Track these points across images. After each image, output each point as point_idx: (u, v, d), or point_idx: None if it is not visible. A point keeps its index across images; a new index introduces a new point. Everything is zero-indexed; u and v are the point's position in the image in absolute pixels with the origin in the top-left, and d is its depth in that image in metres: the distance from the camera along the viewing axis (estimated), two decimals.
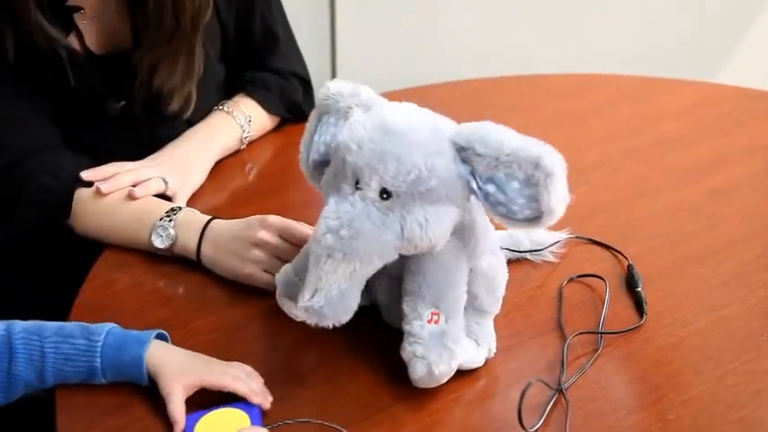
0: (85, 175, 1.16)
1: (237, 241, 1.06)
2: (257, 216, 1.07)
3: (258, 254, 1.04)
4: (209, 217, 1.11)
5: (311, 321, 0.86)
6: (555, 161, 0.83)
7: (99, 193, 1.14)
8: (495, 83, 1.62)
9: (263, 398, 0.90)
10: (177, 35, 1.18)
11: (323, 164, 0.94)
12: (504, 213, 0.87)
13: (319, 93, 0.95)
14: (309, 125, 0.97)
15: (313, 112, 0.97)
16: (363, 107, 0.91)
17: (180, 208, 1.13)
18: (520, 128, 1.48)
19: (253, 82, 1.38)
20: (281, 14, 1.40)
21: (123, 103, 1.23)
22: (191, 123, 1.30)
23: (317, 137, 0.95)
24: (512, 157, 0.83)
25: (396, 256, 0.87)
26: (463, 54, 2.33)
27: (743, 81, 1.62)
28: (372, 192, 0.84)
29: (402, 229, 0.85)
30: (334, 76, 2.34)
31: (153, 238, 1.11)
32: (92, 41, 1.21)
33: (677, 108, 1.51)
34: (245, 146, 1.35)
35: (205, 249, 1.08)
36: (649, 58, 2.27)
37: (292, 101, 1.40)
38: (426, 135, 0.86)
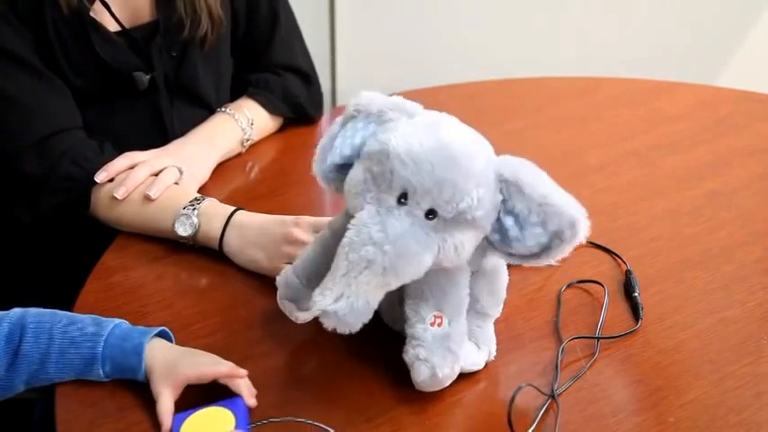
0: (99, 178, 1.17)
1: (267, 236, 1.07)
2: (291, 216, 1.08)
3: (289, 250, 1.05)
4: (234, 207, 1.13)
5: (328, 326, 0.85)
6: (586, 227, 0.86)
7: (116, 199, 1.16)
8: (495, 85, 1.62)
9: (247, 391, 0.90)
10: None
11: (343, 167, 0.92)
12: (497, 241, 0.88)
13: (350, 102, 0.91)
14: (333, 129, 0.93)
15: (338, 118, 0.93)
16: (407, 115, 0.89)
17: (203, 197, 1.15)
18: (519, 130, 1.48)
19: (256, 84, 1.40)
20: (287, 7, 1.43)
21: (150, 76, 1.26)
22: (210, 108, 1.35)
23: (339, 140, 0.92)
24: (554, 210, 0.84)
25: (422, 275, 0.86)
26: (463, 56, 2.33)
27: (742, 84, 1.62)
28: (420, 210, 0.84)
29: (439, 250, 0.85)
30: (333, 76, 2.34)
31: (176, 226, 1.12)
32: (119, 14, 1.23)
33: (677, 111, 1.51)
34: (245, 149, 1.35)
35: (229, 238, 1.10)
36: (649, 61, 2.27)
37: (295, 101, 1.41)
38: (482, 165, 0.85)
